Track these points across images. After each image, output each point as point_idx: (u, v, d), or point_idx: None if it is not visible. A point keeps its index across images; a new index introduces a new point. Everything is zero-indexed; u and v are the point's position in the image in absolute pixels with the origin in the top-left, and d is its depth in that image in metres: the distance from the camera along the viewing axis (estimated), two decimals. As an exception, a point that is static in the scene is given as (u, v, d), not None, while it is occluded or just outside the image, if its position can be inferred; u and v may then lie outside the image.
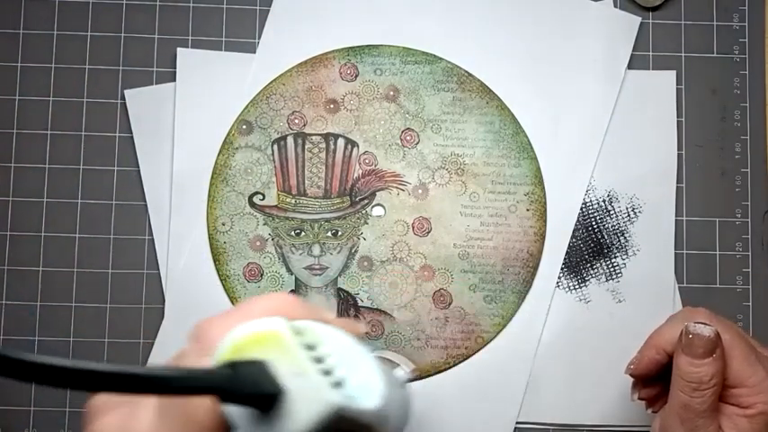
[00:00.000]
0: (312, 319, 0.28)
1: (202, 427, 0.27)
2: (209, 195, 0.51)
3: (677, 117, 0.53)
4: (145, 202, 0.52)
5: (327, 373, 0.26)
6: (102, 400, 0.29)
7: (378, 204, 0.52)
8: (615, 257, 0.52)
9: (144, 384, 0.23)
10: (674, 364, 0.40)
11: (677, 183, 0.52)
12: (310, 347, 0.26)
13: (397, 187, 0.52)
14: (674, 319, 0.44)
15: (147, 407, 0.28)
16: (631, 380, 0.45)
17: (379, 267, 0.51)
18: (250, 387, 0.24)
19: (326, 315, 0.31)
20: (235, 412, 0.26)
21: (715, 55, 0.53)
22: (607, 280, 0.51)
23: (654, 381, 0.44)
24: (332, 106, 0.52)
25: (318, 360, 0.26)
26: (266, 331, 0.26)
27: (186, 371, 0.25)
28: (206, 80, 0.52)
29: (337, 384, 0.25)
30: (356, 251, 0.51)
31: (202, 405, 0.27)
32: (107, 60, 0.53)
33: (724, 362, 0.40)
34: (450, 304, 0.51)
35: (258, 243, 0.51)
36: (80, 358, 0.51)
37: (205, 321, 0.29)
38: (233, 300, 0.51)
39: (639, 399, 0.45)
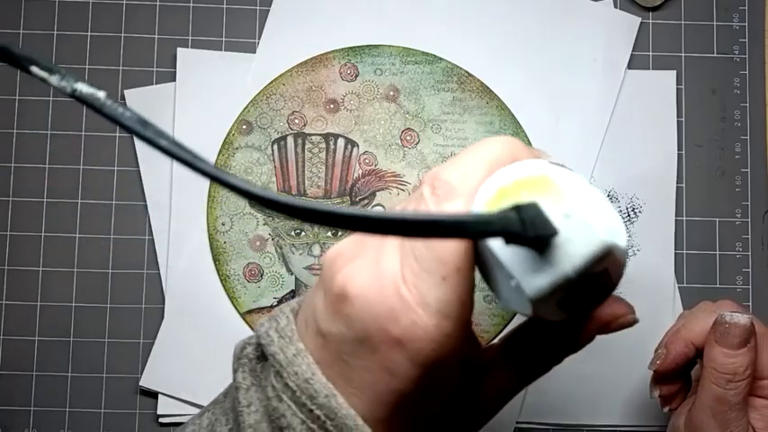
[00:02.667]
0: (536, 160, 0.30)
1: (453, 268, 0.28)
2: (209, 195, 0.51)
3: (677, 117, 0.53)
4: (145, 201, 0.52)
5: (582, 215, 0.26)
6: (339, 250, 0.30)
7: (378, 204, 0.52)
8: (615, 257, 0.52)
9: (440, 229, 0.24)
10: (707, 356, 0.40)
11: (677, 183, 0.52)
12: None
13: (397, 187, 0.52)
14: (699, 311, 0.43)
15: (390, 250, 0.29)
16: (648, 377, 0.44)
17: (379, 267, 0.51)
18: (532, 229, 0.25)
19: (546, 155, 0.31)
20: (505, 254, 0.27)
21: (715, 55, 0.53)
22: (607, 280, 0.51)
23: (673, 377, 0.44)
24: (332, 106, 0.52)
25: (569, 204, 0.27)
26: (534, 176, 0.27)
27: (476, 215, 0.27)
28: (206, 80, 0.52)
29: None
30: (356, 251, 0.51)
31: (453, 245, 0.28)
32: (107, 60, 0.53)
33: (756, 352, 0.39)
34: None
35: (258, 243, 0.51)
36: (79, 359, 0.51)
37: (438, 168, 0.29)
38: (233, 300, 0.51)
39: (659, 396, 0.44)
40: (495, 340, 0.33)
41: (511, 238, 0.25)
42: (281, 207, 0.23)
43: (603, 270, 0.27)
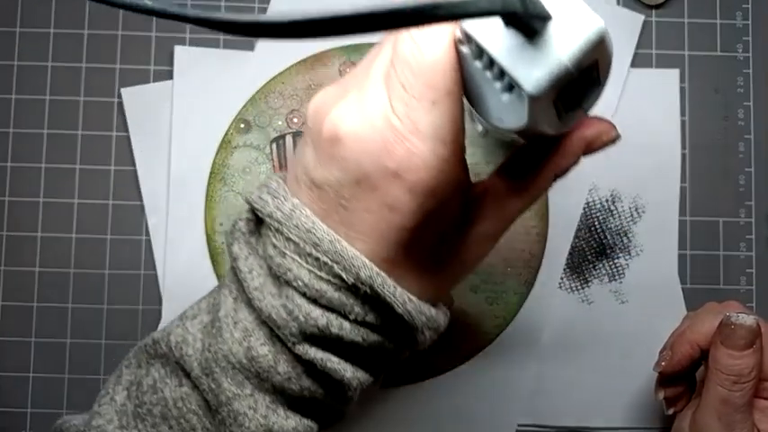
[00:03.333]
0: None
1: (443, 91, 0.28)
2: (206, 195, 0.51)
3: (680, 116, 0.52)
4: (141, 201, 0.51)
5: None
6: (321, 99, 0.30)
7: (378, 204, 0.51)
8: (618, 258, 0.51)
9: (439, 12, 0.22)
10: (712, 357, 0.40)
11: (680, 182, 0.52)
12: None
13: (397, 187, 0.51)
14: (705, 312, 0.43)
15: (374, 86, 0.29)
16: (653, 379, 0.44)
17: (378, 268, 0.51)
18: (532, 7, 0.25)
19: None
20: (500, 52, 0.26)
21: (718, 53, 0.53)
22: (610, 281, 0.51)
23: (678, 379, 0.43)
24: (331, 105, 0.52)
25: None
26: None
27: None
28: (204, 78, 0.51)
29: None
30: (356, 251, 0.51)
31: (440, 61, 0.27)
32: (104, 58, 0.52)
33: (762, 353, 0.39)
34: (451, 305, 0.50)
35: (257, 243, 0.51)
36: (77, 361, 0.51)
37: None
38: (231, 301, 0.50)
39: (664, 398, 0.44)
40: (486, 177, 0.34)
41: (512, 19, 0.25)
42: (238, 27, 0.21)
43: (594, 63, 0.27)
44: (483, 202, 0.33)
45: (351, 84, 0.30)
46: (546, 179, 0.32)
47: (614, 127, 0.32)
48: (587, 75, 0.28)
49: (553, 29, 0.26)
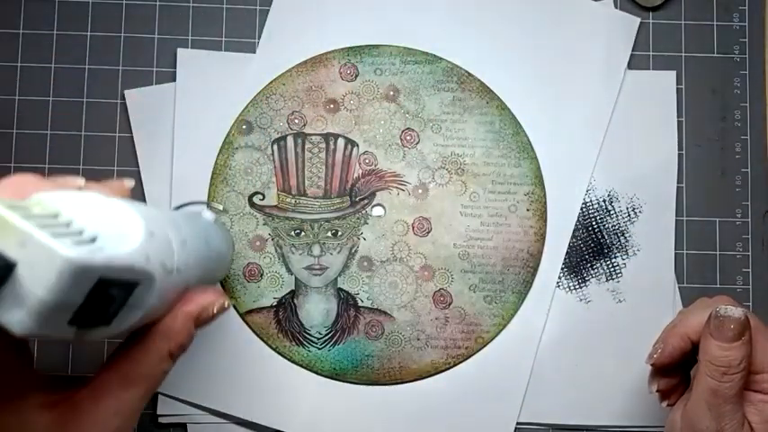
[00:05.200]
0: (59, 189, 0.30)
1: None
2: (209, 195, 0.51)
3: (677, 117, 0.53)
4: (145, 202, 0.51)
5: (79, 233, 0.27)
6: None
7: (378, 204, 0.52)
8: (615, 257, 0.52)
9: None
10: (702, 349, 0.40)
11: (677, 183, 0.52)
12: (52, 216, 0.27)
13: (397, 187, 0.52)
14: (696, 307, 0.44)
15: None
16: (647, 373, 0.45)
17: (379, 267, 0.51)
18: None
19: (76, 182, 0.32)
20: None
21: (715, 55, 0.53)
22: (607, 280, 0.51)
23: (671, 372, 0.44)
24: (332, 106, 0.52)
25: (66, 225, 0.27)
26: None
27: None
28: (206, 80, 0.52)
29: (91, 240, 0.27)
30: (356, 251, 0.51)
31: None
32: (107, 60, 0.53)
33: (751, 346, 0.40)
34: (450, 304, 0.51)
35: (258, 243, 0.51)
36: (78, 359, 0.51)
37: None
38: (233, 300, 0.51)
39: (657, 391, 0.44)
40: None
41: None
42: None
43: (99, 282, 0.27)
44: (98, 402, 0.31)
45: None
46: (160, 361, 0.32)
47: (221, 295, 0.33)
48: (98, 289, 0.27)
49: (23, 268, 0.26)
